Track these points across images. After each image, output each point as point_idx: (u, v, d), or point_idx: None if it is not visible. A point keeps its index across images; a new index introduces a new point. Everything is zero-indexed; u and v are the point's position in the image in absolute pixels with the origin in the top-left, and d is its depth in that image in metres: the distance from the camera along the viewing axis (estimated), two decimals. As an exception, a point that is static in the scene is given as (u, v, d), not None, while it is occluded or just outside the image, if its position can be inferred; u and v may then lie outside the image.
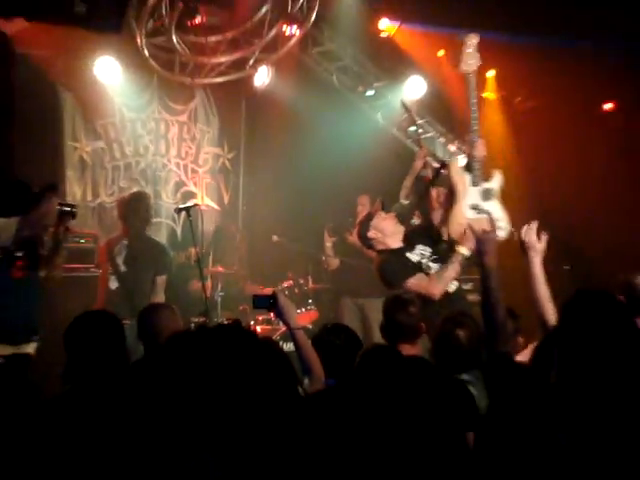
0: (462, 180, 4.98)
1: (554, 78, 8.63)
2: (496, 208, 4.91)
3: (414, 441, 2.56)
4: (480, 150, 4.93)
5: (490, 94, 9.64)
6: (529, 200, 8.15)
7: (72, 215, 5.28)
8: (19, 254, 5.04)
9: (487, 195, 4.97)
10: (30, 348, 5.07)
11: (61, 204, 5.29)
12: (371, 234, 5.23)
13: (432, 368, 3.23)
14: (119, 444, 2.72)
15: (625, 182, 8.66)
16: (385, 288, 5.07)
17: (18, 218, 5.00)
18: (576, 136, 8.78)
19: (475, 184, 4.94)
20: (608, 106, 9.32)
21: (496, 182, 5.02)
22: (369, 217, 5.38)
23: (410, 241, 5.22)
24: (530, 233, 3.68)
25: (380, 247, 5.21)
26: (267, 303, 3.69)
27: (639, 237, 8.40)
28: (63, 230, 5.20)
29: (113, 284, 6.30)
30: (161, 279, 6.35)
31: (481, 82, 9.34)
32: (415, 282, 4.94)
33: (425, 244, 5.20)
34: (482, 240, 3.51)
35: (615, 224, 8.22)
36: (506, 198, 5.09)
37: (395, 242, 5.22)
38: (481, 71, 8.67)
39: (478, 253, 3.49)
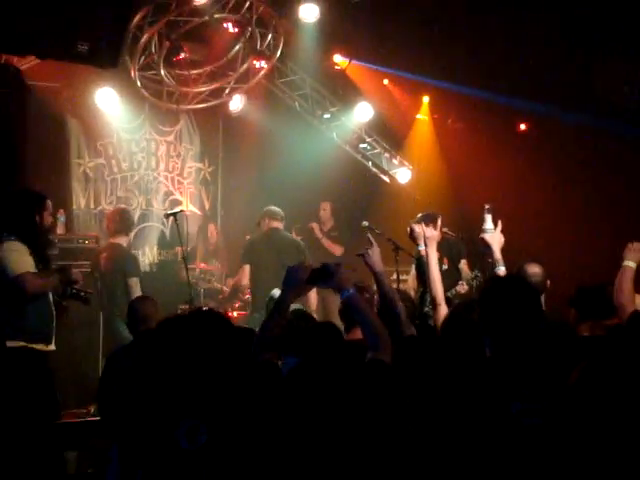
0: None
1: (477, 103, 9.40)
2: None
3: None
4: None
5: (424, 117, 10.38)
6: (451, 204, 8.82)
7: (83, 301, 5.62)
8: None
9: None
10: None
11: (77, 290, 5.49)
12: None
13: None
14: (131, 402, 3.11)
15: (536, 187, 9.54)
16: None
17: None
18: (494, 150, 9.45)
19: None
20: (522, 127, 10.26)
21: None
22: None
23: None
24: (421, 227, 4.02)
25: None
26: (321, 278, 3.05)
27: (549, 234, 9.21)
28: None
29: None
30: (132, 281, 6.95)
31: (416, 105, 10.30)
32: None
33: None
34: (365, 255, 3.69)
35: (530, 227, 8.87)
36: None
37: None
38: (417, 96, 10.24)
39: (368, 267, 3.66)
